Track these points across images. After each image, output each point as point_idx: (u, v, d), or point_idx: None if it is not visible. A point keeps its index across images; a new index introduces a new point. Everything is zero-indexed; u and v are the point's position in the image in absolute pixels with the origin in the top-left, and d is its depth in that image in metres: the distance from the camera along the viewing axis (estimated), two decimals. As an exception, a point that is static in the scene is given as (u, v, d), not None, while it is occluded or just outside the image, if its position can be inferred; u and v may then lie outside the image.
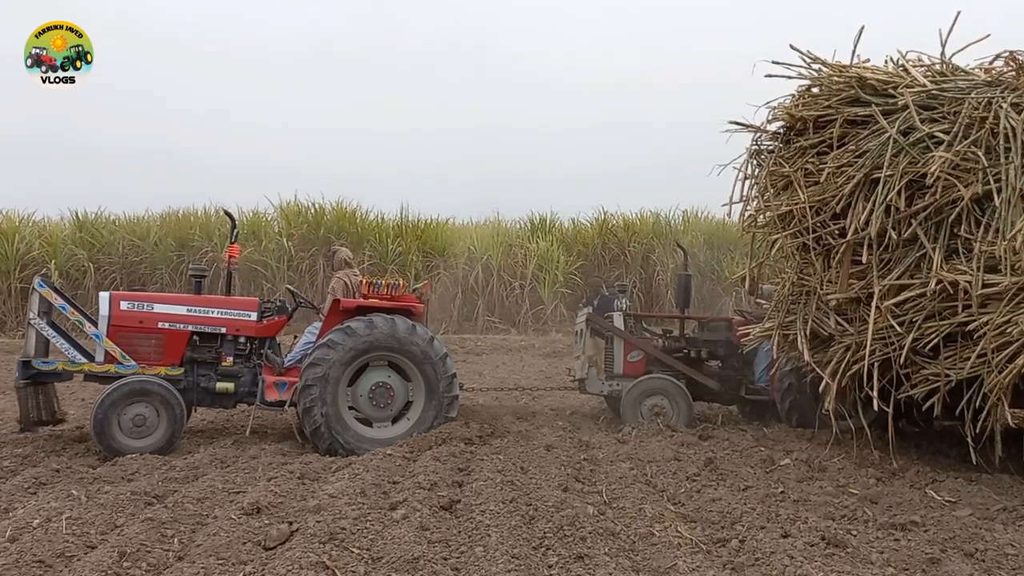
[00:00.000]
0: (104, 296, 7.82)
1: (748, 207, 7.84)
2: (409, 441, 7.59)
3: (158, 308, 7.78)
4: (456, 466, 6.95)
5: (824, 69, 7.51)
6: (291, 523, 5.18)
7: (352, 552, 4.63)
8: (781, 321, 7.66)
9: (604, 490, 6.04)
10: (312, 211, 21.89)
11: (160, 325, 7.73)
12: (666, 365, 9.03)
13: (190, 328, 7.81)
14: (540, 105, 42.04)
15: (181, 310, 7.81)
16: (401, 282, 8.15)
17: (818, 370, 7.08)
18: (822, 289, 7.14)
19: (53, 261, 20.68)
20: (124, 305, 7.73)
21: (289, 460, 7.21)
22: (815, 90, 7.58)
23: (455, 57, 44.73)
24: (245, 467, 6.89)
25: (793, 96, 7.73)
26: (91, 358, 7.62)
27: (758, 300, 9.05)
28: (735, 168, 7.98)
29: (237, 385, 7.84)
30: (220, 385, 7.78)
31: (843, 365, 6.95)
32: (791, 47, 7.40)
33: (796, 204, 7.21)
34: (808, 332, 7.28)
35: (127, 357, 7.56)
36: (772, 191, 7.55)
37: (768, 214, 7.57)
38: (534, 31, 46.10)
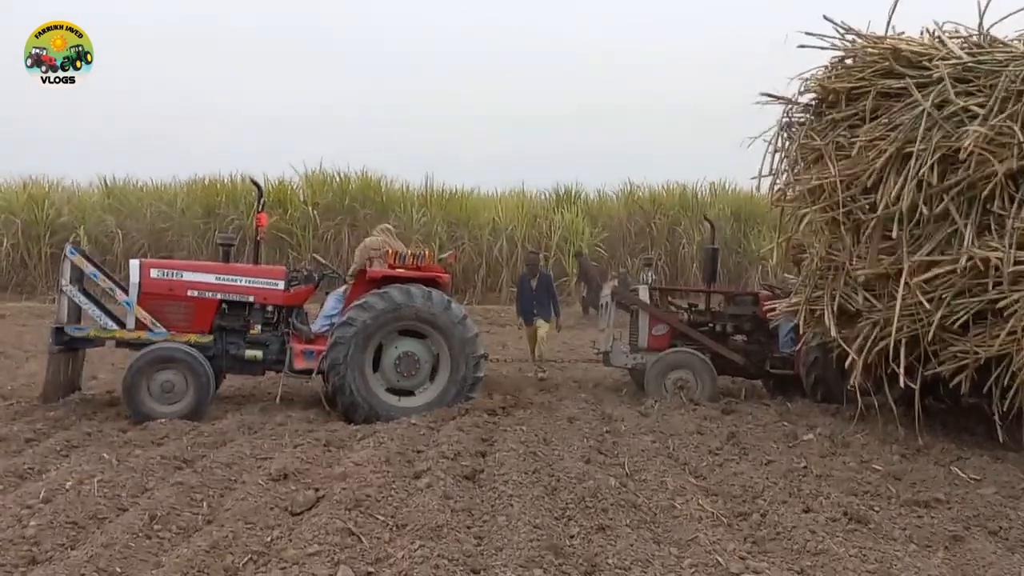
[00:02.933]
0: (134, 264, 7.91)
1: (778, 180, 7.75)
2: (434, 411, 7.67)
3: (187, 276, 7.86)
4: (479, 436, 7.01)
5: (858, 41, 7.37)
6: (317, 489, 5.26)
7: (377, 519, 4.70)
8: (808, 296, 7.60)
9: (626, 463, 6.07)
10: (337, 180, 21.93)
11: (189, 293, 7.81)
12: (691, 339, 9.00)
13: (219, 296, 7.89)
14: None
15: (210, 278, 7.89)
16: (426, 252, 8.17)
17: (845, 346, 7.03)
18: (851, 264, 7.06)
19: (82, 227, 20.95)
20: (154, 273, 7.81)
21: (315, 428, 7.30)
22: (848, 62, 7.45)
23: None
24: (272, 434, 7.00)
25: (825, 68, 7.60)
26: (122, 325, 7.72)
27: (786, 275, 8.97)
28: (765, 140, 7.89)
29: (265, 353, 7.92)
30: (248, 353, 7.87)
31: (870, 341, 6.89)
32: (825, 18, 7.27)
33: (826, 178, 7.11)
34: (836, 307, 7.21)
35: (157, 324, 7.66)
36: (802, 164, 7.46)
37: (798, 188, 7.48)
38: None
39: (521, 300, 11.22)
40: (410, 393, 7.96)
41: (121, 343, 7.85)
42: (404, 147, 33.87)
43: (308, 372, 7.91)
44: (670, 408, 8.09)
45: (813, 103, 7.66)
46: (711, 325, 9.28)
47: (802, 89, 7.70)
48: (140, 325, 7.68)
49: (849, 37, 7.38)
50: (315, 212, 21.13)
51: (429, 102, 41.57)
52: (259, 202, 8.54)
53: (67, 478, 5.37)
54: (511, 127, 40.06)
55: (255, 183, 9.09)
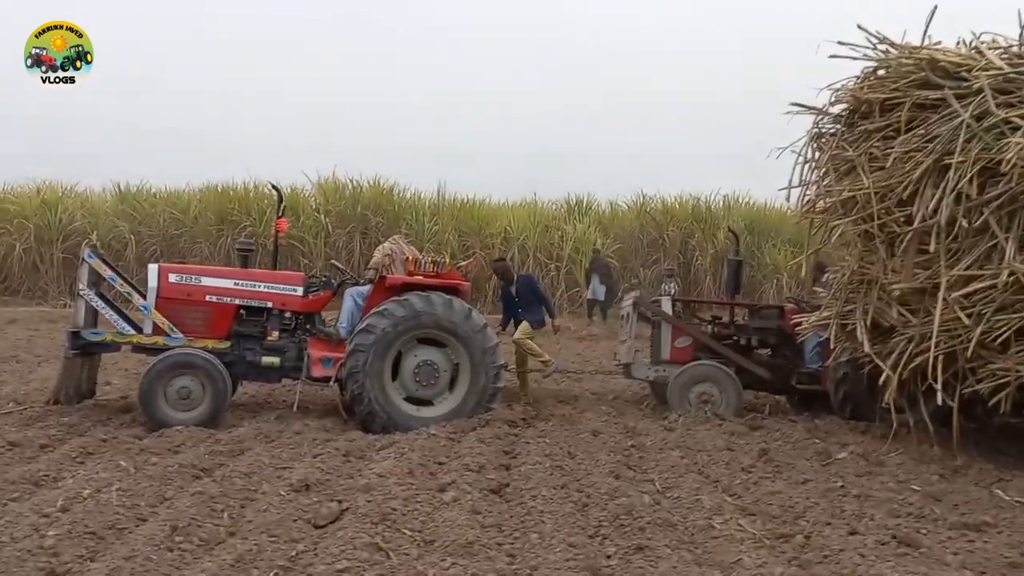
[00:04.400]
0: (153, 268, 7.79)
1: (807, 192, 7.61)
2: (453, 422, 7.52)
3: (206, 281, 7.74)
4: (501, 448, 6.86)
5: (891, 51, 7.23)
6: (340, 501, 5.12)
7: (404, 534, 4.55)
8: (839, 310, 7.43)
9: (656, 479, 5.91)
10: (350, 188, 21.83)
11: (207, 298, 7.68)
12: (714, 352, 8.83)
13: (237, 302, 7.76)
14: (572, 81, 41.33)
15: (228, 283, 7.76)
16: (446, 259, 8.04)
17: (879, 362, 6.85)
18: (885, 278, 6.90)
19: (95, 232, 20.75)
20: (172, 278, 7.69)
21: (333, 437, 7.16)
22: (881, 72, 7.32)
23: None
24: (290, 442, 6.86)
25: (857, 78, 7.47)
26: (139, 330, 7.60)
27: (815, 288, 8.81)
28: (794, 151, 7.76)
29: (282, 359, 7.78)
30: (266, 359, 7.73)
31: (905, 357, 6.72)
32: (859, 27, 7.13)
33: (860, 190, 6.98)
34: (869, 322, 7.04)
35: (175, 329, 7.52)
36: (834, 176, 7.31)
37: (829, 199, 7.33)
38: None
39: (506, 310, 9.80)
40: (429, 403, 7.80)
41: (138, 348, 7.72)
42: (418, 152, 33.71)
43: (326, 380, 7.78)
44: (695, 423, 7.92)
45: (844, 114, 7.52)
46: (735, 338, 9.11)
47: (832, 100, 7.58)
48: (157, 330, 7.55)
49: (882, 47, 7.24)
50: (327, 220, 21.02)
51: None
52: (279, 207, 8.42)
53: (84, 486, 5.23)
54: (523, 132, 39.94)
55: (276, 188, 8.98)
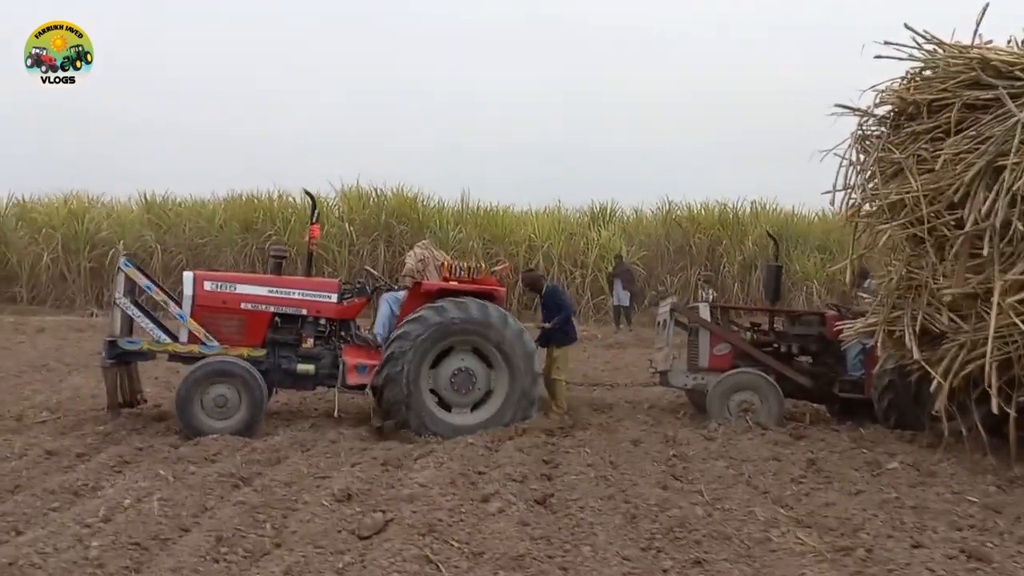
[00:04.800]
0: (188, 276, 7.73)
1: (852, 195, 7.44)
2: (490, 431, 7.40)
3: (241, 289, 7.67)
4: (541, 458, 6.74)
5: (939, 51, 7.07)
6: (383, 511, 5.01)
7: (452, 546, 4.43)
8: (886, 317, 7.24)
9: (704, 490, 5.75)
10: (374, 196, 21.82)
11: (243, 306, 7.61)
12: (754, 360, 8.65)
13: (272, 309, 7.68)
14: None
15: (263, 291, 7.69)
16: (483, 265, 7.94)
17: (929, 369, 6.66)
18: (935, 283, 6.72)
19: (121, 242, 20.84)
20: (208, 285, 7.63)
21: (369, 445, 7.07)
22: (927, 72, 7.16)
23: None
24: (326, 451, 6.77)
25: (903, 79, 7.31)
26: (174, 338, 7.54)
27: (860, 294, 8.62)
28: (837, 155, 7.60)
29: (318, 367, 7.69)
30: (301, 367, 7.65)
31: (957, 364, 6.52)
32: (906, 26, 6.96)
33: (907, 192, 6.81)
34: (918, 329, 6.86)
35: (210, 337, 7.46)
36: (880, 178, 7.14)
37: (875, 203, 7.15)
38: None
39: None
40: (465, 409, 7.69)
41: (174, 356, 7.67)
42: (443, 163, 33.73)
43: (361, 387, 7.67)
44: (736, 432, 7.74)
45: (890, 115, 7.36)
46: (775, 345, 8.92)
47: (877, 101, 7.42)
48: (193, 338, 7.49)
49: (929, 47, 7.08)
50: (351, 228, 21.02)
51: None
52: (313, 214, 8.34)
53: (124, 495, 5.16)
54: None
55: (309, 195, 8.91)
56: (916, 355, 6.82)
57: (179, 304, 7.60)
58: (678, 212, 23.06)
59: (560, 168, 35.31)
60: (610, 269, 20.18)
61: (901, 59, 7.21)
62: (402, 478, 5.90)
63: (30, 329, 17.21)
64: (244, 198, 22.62)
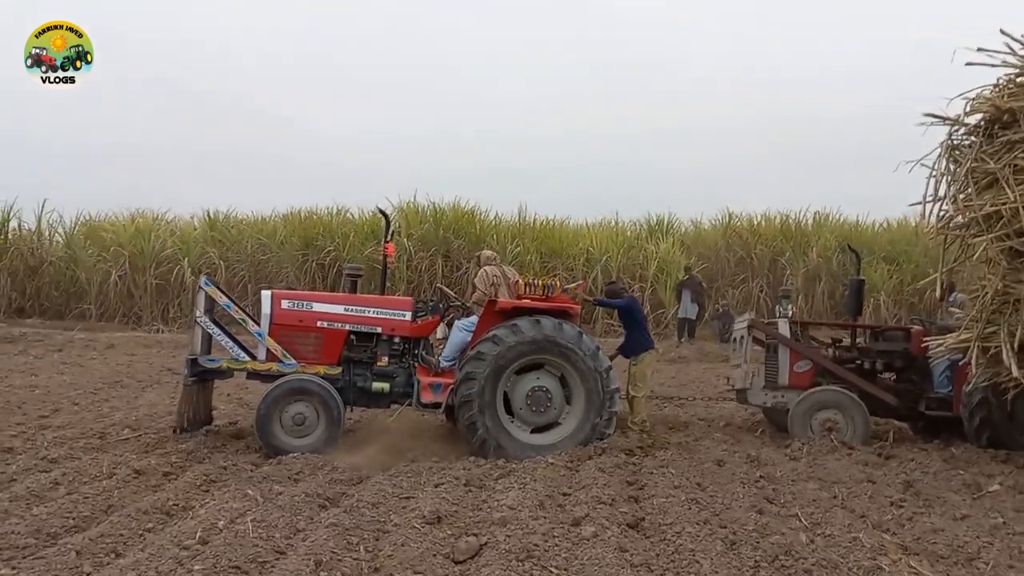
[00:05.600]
0: (266, 295, 7.79)
1: (942, 206, 7.19)
2: (568, 451, 7.29)
3: (317, 307, 7.70)
4: (624, 479, 6.61)
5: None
6: (476, 535, 4.94)
7: (551, 571, 4.36)
8: (980, 333, 6.97)
9: (800, 513, 5.57)
10: (432, 211, 21.90)
11: (319, 324, 7.64)
12: (837, 377, 8.40)
13: (347, 327, 7.69)
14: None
15: (339, 309, 7.71)
16: (556, 283, 7.85)
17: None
18: (1035, 298, 6.45)
19: (186, 259, 21.35)
20: (285, 304, 7.67)
21: (447, 465, 7.00)
22: (1021, 79, 6.90)
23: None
24: (407, 471, 6.73)
25: (995, 86, 7.06)
26: (252, 356, 7.60)
27: (950, 309, 8.32)
28: (924, 165, 7.36)
29: (392, 385, 7.68)
30: (376, 385, 7.64)
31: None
32: (1002, 32, 6.72)
33: (1004, 204, 6.57)
34: (1016, 345, 6.58)
35: (288, 356, 7.50)
36: (973, 189, 6.89)
37: (968, 215, 6.90)
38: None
39: None
40: (541, 429, 7.60)
41: (252, 374, 7.71)
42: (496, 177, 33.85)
43: (436, 406, 7.62)
44: (821, 452, 7.52)
45: (981, 124, 7.10)
46: (858, 362, 8.66)
47: (968, 109, 7.17)
48: (271, 356, 7.53)
49: (1024, 53, 6.82)
50: (409, 243, 21.12)
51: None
52: (387, 232, 8.35)
53: (218, 516, 5.17)
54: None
55: (383, 213, 8.93)
56: (1015, 372, 6.56)
57: (256, 322, 7.65)
58: (738, 223, 22.72)
59: (616, 184, 35.16)
60: (675, 281, 19.98)
61: (994, 66, 6.96)
62: (487, 500, 5.83)
63: (100, 345, 17.62)
64: (303, 214, 22.90)
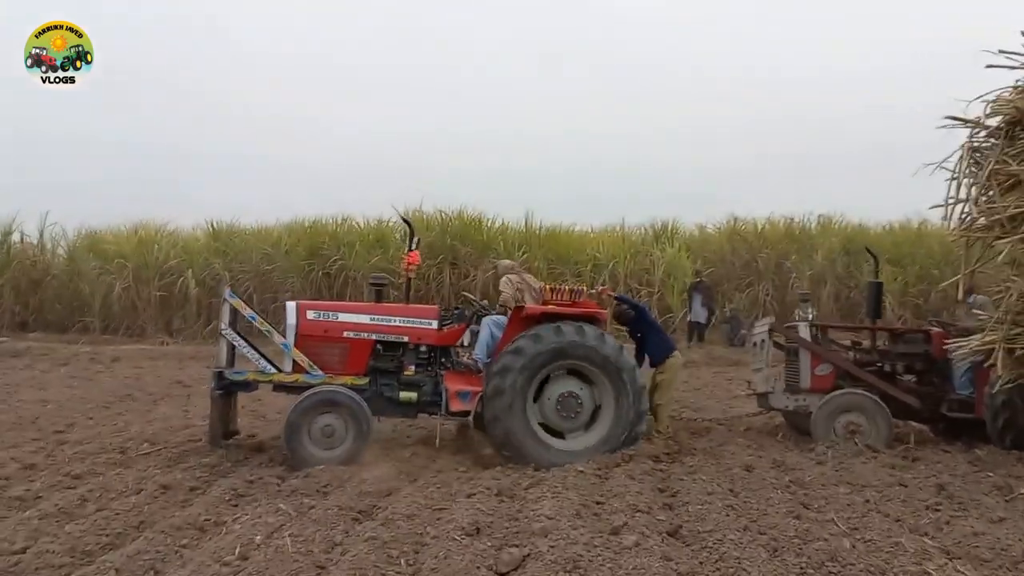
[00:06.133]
0: (291, 306, 7.75)
1: (964, 209, 7.21)
2: (596, 457, 7.27)
3: (343, 317, 7.67)
4: (655, 486, 6.59)
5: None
6: (518, 546, 4.91)
7: (598, 582, 4.31)
8: (1006, 335, 6.97)
9: (835, 518, 5.55)
10: (438, 219, 21.87)
11: (345, 334, 7.61)
12: (858, 380, 8.39)
13: (374, 337, 7.67)
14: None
15: (365, 319, 7.68)
16: (583, 288, 7.83)
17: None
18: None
19: (190, 270, 21.30)
20: (311, 315, 7.64)
21: (476, 475, 6.97)
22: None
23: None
24: (436, 481, 6.71)
25: (1015, 88, 7.09)
26: (278, 368, 7.56)
27: (974, 311, 8.32)
28: (944, 168, 7.38)
29: (419, 394, 7.65)
30: (403, 395, 7.61)
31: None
32: (1022, 34, 6.74)
33: (1030, 205, 6.57)
34: (1044, 347, 6.60)
35: (314, 367, 7.46)
36: (997, 191, 6.90)
37: (992, 217, 6.91)
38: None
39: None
40: (573, 435, 7.57)
41: (279, 386, 7.68)
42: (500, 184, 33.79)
43: (465, 414, 7.59)
44: (846, 455, 7.51)
45: (1002, 126, 7.12)
46: (879, 364, 8.66)
47: (988, 112, 7.20)
48: (297, 368, 7.50)
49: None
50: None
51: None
52: (411, 240, 8.33)
53: (254, 531, 5.15)
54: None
55: (407, 221, 8.92)
56: (1044, 374, 6.56)
57: (282, 333, 7.62)
58: (743, 227, 22.74)
59: (617, 187, 35.16)
60: (682, 286, 20.02)
61: (1013, 67, 6.99)
62: (522, 509, 5.80)
63: (105, 358, 17.57)
64: (307, 224, 22.83)
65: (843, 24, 42.01)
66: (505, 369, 7.30)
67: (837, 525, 5.40)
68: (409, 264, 8.15)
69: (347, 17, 43.82)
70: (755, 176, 34.48)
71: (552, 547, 4.74)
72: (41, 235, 22.63)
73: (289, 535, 5.02)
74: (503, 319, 7.92)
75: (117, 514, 5.63)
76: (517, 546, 4.91)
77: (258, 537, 5.05)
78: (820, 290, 20.38)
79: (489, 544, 5.00)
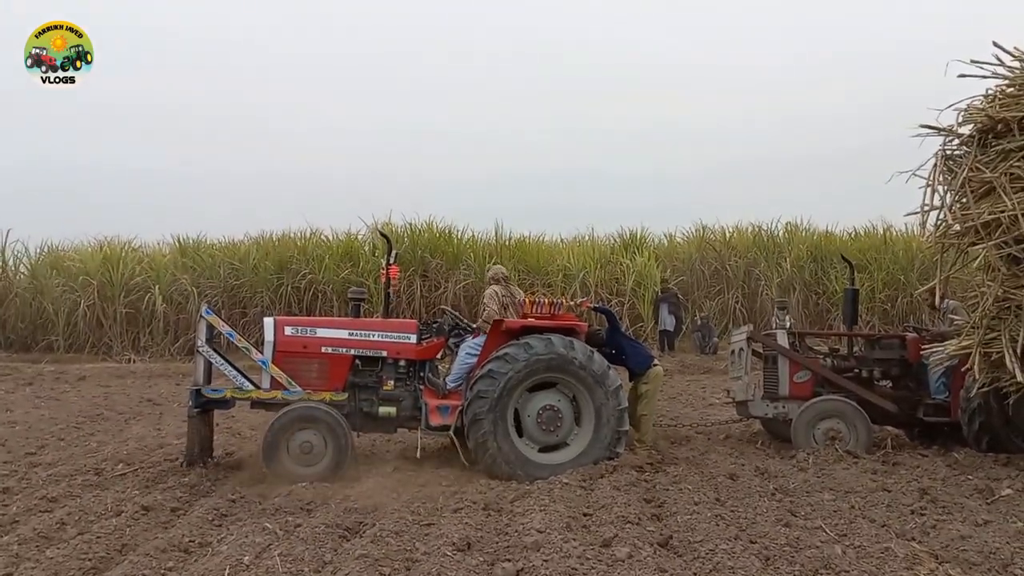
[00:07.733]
0: (268, 322, 7.65)
1: (938, 215, 7.33)
2: (579, 469, 7.24)
3: (321, 333, 7.58)
4: (641, 497, 6.57)
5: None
6: (511, 561, 4.87)
7: (596, 596, 4.29)
8: (982, 339, 7.09)
9: (823, 525, 5.58)
10: (408, 231, 21.79)
11: (323, 350, 7.52)
12: (836, 386, 8.48)
13: (352, 352, 7.58)
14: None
15: (343, 334, 7.60)
16: (563, 300, 7.83)
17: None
18: (1036, 303, 6.58)
19: (157, 286, 20.96)
20: (288, 331, 7.54)
21: (459, 488, 6.90)
22: (1011, 90, 7.07)
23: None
24: (420, 496, 6.62)
25: (985, 97, 7.23)
26: (256, 385, 7.45)
27: (949, 315, 8.46)
28: (916, 175, 7.50)
29: (399, 409, 7.58)
30: (382, 410, 7.53)
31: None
32: (994, 44, 6.90)
33: (1002, 212, 6.70)
34: (1019, 351, 6.71)
35: (292, 383, 7.36)
36: (970, 198, 7.03)
37: (967, 223, 7.03)
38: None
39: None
40: (552, 448, 7.54)
41: (257, 403, 7.55)
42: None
43: (445, 428, 7.53)
44: (828, 461, 7.57)
45: (975, 134, 7.26)
46: (856, 370, 8.75)
47: (960, 120, 7.33)
48: (276, 384, 7.39)
49: (1015, 64, 7.00)
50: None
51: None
52: (390, 254, 8.27)
53: (242, 552, 5.04)
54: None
55: (384, 236, 8.86)
56: (1019, 376, 6.68)
57: (259, 350, 7.52)
58: (711, 235, 22.96)
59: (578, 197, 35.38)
60: (652, 296, 20.14)
61: (984, 77, 7.13)
62: (511, 523, 5.75)
63: (71, 378, 17.22)
64: (276, 238, 22.62)
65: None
66: (486, 379, 7.25)
67: (826, 532, 5.43)
68: (388, 278, 8.08)
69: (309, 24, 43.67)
70: (723, 180, 34.85)
71: (546, 561, 4.71)
72: (2, 253, 22.13)
73: (279, 554, 4.93)
74: (478, 343, 7.86)
75: (99, 537, 5.48)
76: (510, 560, 4.87)
77: (246, 557, 4.95)
78: (789, 297, 20.60)
79: (482, 559, 4.95)
